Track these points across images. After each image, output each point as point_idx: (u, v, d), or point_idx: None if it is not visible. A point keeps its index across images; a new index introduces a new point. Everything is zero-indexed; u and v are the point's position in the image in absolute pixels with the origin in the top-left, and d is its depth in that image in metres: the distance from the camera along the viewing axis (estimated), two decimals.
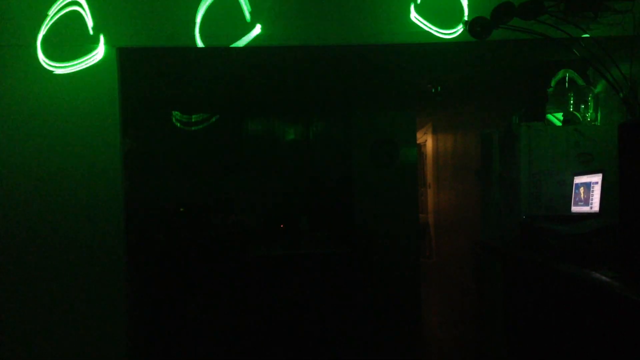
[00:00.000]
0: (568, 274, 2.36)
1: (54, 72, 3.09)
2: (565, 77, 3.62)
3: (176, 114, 5.85)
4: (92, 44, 3.11)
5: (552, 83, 3.67)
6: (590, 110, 3.56)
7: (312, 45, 3.43)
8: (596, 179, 2.88)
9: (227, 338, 4.73)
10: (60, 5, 2.96)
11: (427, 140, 9.00)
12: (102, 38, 3.10)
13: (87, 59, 3.08)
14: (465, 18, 3.02)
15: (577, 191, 3.10)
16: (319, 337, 4.36)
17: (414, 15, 3.12)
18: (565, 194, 3.28)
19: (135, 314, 3.56)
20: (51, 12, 2.95)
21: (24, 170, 3.21)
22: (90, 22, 3.04)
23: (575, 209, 3.11)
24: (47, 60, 3.02)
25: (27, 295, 3.19)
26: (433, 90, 5.56)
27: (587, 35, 3.01)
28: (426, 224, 8.93)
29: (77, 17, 3.08)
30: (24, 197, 3.20)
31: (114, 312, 3.25)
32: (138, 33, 3.28)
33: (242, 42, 3.17)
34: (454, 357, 4.14)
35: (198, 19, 3.11)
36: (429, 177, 8.88)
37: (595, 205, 2.86)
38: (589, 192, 2.93)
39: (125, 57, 3.37)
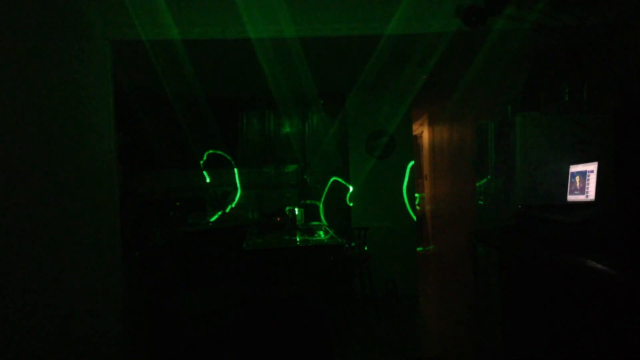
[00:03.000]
0: (564, 262, 2.37)
1: None
2: None
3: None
4: None
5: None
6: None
7: (306, 37, 3.42)
8: (592, 167, 2.88)
9: (225, 330, 4.73)
10: None
11: (423, 132, 9.00)
12: None
13: None
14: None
15: (572, 180, 3.10)
16: (314, 329, 4.36)
17: None
18: (561, 183, 3.28)
19: (131, 308, 3.56)
20: None
21: (20, 164, 3.19)
22: None
23: (571, 197, 3.11)
24: None
25: (23, 289, 3.17)
26: (434, 80, 5.53)
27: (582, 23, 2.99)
28: (423, 216, 8.95)
29: None
30: (19, 191, 3.18)
31: (111, 307, 3.25)
32: (131, 26, 3.26)
33: None
34: (451, 347, 4.15)
35: None
36: (426, 168, 8.88)
37: (591, 193, 2.86)
38: (585, 180, 2.93)
39: (118, 50, 3.35)
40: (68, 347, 3.21)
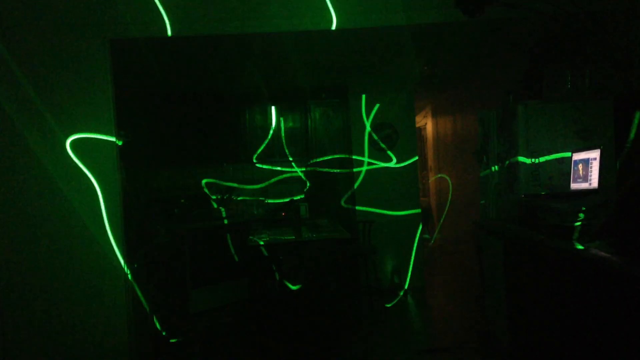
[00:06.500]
0: (567, 251, 2.36)
1: None
2: None
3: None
4: None
5: None
6: None
7: (305, 30, 3.41)
8: (594, 154, 2.86)
9: (232, 325, 4.76)
10: None
11: (427, 124, 8.97)
12: None
13: None
14: None
15: (575, 168, 3.08)
16: (321, 323, 4.38)
17: None
18: (564, 171, 3.27)
19: (135, 307, 3.58)
20: None
21: (21, 165, 3.20)
22: None
23: (574, 185, 3.09)
24: None
25: (27, 289, 3.20)
26: (435, 71, 5.49)
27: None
28: (428, 207, 8.93)
29: None
30: (21, 191, 3.20)
31: (116, 305, 3.27)
32: (130, 24, 3.26)
33: None
34: (458, 337, 4.15)
35: None
36: (430, 160, 8.86)
37: (594, 181, 2.84)
38: (588, 168, 2.92)
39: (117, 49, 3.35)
40: (74, 344, 3.24)
